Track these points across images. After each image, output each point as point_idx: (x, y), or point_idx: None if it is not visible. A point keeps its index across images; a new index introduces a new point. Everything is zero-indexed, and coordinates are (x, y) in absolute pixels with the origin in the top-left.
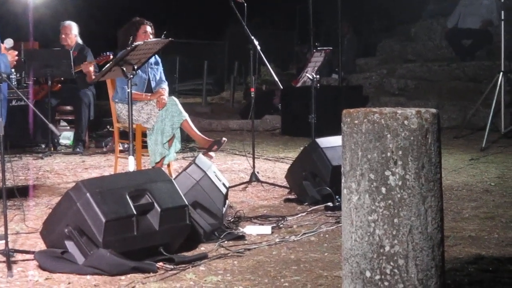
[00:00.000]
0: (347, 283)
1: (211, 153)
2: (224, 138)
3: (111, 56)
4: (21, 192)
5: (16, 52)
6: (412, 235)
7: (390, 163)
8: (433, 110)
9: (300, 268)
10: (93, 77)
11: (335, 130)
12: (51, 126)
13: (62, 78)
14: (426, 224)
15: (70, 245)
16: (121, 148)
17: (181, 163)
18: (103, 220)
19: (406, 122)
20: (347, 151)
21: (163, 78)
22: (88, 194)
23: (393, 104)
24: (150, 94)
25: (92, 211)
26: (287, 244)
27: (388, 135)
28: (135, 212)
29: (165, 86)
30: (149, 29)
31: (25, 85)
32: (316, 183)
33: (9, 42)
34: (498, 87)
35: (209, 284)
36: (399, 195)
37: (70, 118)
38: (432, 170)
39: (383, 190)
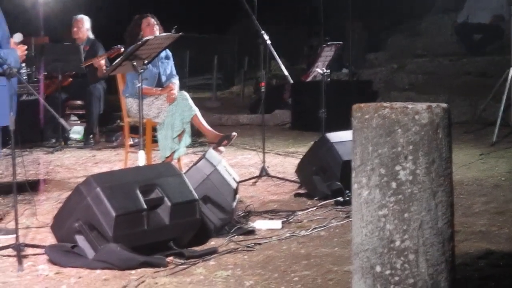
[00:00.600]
0: (357, 278)
1: (221, 148)
2: (234, 133)
3: (122, 49)
4: (32, 187)
5: (25, 47)
6: (422, 230)
7: (401, 158)
8: (444, 105)
9: (310, 263)
10: (104, 71)
11: (345, 124)
12: (61, 120)
13: (73, 73)
14: (436, 219)
15: (80, 239)
16: (131, 142)
17: (191, 157)
18: (114, 214)
19: (416, 116)
20: (357, 146)
21: (174, 72)
22: (98, 189)
23: (403, 99)
24: (160, 89)
25: (102, 205)
26: (297, 238)
27: (399, 130)
28: (145, 207)
29: (175, 80)
30: (152, 20)
31: (35, 79)
32: (326, 178)
33: (18, 37)
34: (508, 82)
35: (219, 279)
36: (409, 190)
37: (80, 112)
38: (443, 165)
39: (394, 185)
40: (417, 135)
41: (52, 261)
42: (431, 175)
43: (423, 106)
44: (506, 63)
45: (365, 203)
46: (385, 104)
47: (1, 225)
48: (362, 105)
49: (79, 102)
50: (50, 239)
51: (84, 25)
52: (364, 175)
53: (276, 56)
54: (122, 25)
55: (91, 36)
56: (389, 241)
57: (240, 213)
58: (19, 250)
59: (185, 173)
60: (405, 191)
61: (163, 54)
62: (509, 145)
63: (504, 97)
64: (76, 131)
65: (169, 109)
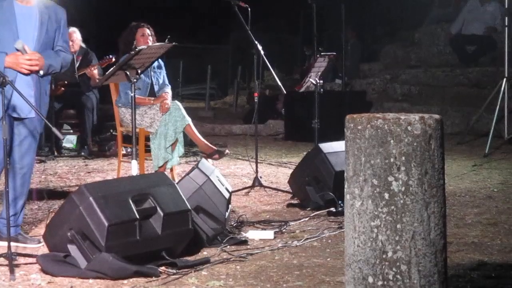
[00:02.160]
0: None
1: (211, 160)
2: (227, 151)
3: (114, 59)
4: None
5: (30, 55)
6: (415, 241)
7: (393, 168)
8: (437, 116)
9: (302, 273)
10: (97, 81)
11: (338, 135)
12: (54, 130)
13: (66, 82)
14: (429, 230)
15: (72, 249)
16: (124, 152)
17: (184, 167)
18: (106, 224)
19: (409, 127)
20: (350, 156)
21: (167, 82)
22: (91, 198)
23: (397, 109)
24: (153, 98)
25: (95, 215)
26: (289, 249)
27: (392, 141)
28: (138, 217)
29: (168, 90)
30: (147, 31)
31: None
32: (319, 188)
33: (19, 44)
34: (501, 93)
35: None
36: (402, 201)
37: (73, 122)
38: (435, 176)
39: (386, 195)
40: (410, 146)
41: (44, 271)
42: (423, 186)
43: (416, 117)
44: (499, 75)
45: (357, 214)
46: (377, 115)
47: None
48: (355, 115)
49: (72, 111)
50: (42, 248)
51: (76, 36)
52: (356, 185)
53: (270, 66)
54: (115, 34)
55: (83, 45)
56: (381, 252)
57: (232, 223)
58: (11, 259)
59: (177, 183)
60: (398, 202)
61: (155, 63)
62: (502, 157)
63: (497, 108)
64: (69, 140)
65: (162, 118)
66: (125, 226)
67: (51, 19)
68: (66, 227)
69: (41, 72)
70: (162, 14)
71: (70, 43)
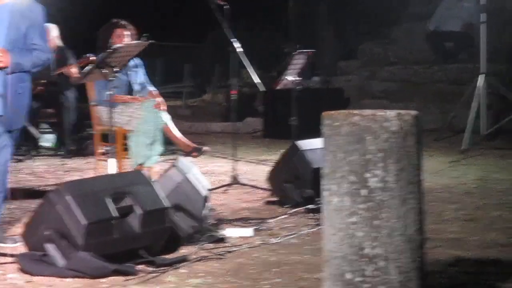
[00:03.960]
0: (328, 285)
1: (189, 158)
2: (206, 148)
3: (92, 58)
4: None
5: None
6: (392, 237)
7: (370, 165)
8: (414, 112)
9: (281, 271)
10: (75, 79)
11: (317, 132)
12: (31, 129)
13: (44, 81)
14: (406, 226)
15: (51, 248)
16: (102, 150)
17: (162, 165)
18: (84, 222)
19: (386, 124)
20: (327, 153)
21: (147, 81)
22: (68, 197)
23: (375, 106)
24: (131, 96)
25: (72, 214)
26: (268, 246)
27: (368, 137)
28: (116, 215)
29: (153, 88)
30: (124, 32)
31: None
32: (297, 185)
33: None
34: (478, 90)
35: (190, 287)
36: (379, 197)
37: (52, 120)
38: (412, 172)
39: (364, 192)
40: (387, 142)
41: (23, 270)
42: (401, 182)
43: (393, 113)
44: (476, 71)
45: (335, 211)
46: (354, 112)
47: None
48: (332, 112)
49: (50, 110)
50: (20, 248)
51: (52, 34)
52: (334, 182)
53: (247, 64)
54: (94, 32)
55: (60, 43)
56: (359, 248)
57: (211, 221)
58: None
59: (156, 181)
60: (375, 198)
61: (131, 62)
62: (479, 152)
63: (474, 104)
64: (47, 140)
65: (142, 116)
66: (103, 224)
67: (24, 17)
68: (44, 227)
69: (8, 70)
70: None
71: None
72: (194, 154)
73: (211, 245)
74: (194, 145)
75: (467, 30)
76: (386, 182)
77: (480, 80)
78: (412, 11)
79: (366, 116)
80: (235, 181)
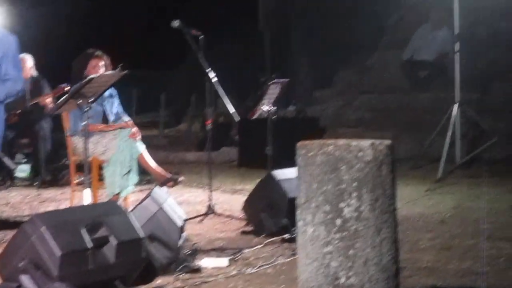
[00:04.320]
0: None
1: (165, 188)
2: (181, 178)
3: (67, 88)
4: None
5: None
6: (367, 267)
7: (345, 195)
8: (387, 142)
9: None
10: (50, 109)
11: (292, 162)
12: (6, 159)
13: (19, 111)
14: (381, 256)
15: (25, 279)
16: (77, 181)
17: (138, 195)
18: (59, 253)
19: (360, 154)
20: (302, 183)
21: (122, 111)
22: (43, 228)
23: (350, 135)
24: (105, 125)
25: (47, 244)
26: (244, 276)
27: (343, 167)
28: (91, 245)
29: (128, 118)
30: (100, 63)
31: None
32: (273, 215)
33: None
34: (453, 118)
35: None
36: (354, 227)
37: (27, 151)
38: (387, 202)
39: (338, 222)
40: (361, 172)
41: None
42: (375, 212)
43: (367, 143)
44: (450, 100)
45: (310, 240)
46: (329, 141)
47: None
48: (306, 142)
49: (25, 140)
50: None
51: (27, 64)
52: (309, 212)
53: (222, 93)
54: (69, 61)
55: (35, 73)
56: (334, 278)
57: (186, 251)
58: None
59: (131, 211)
60: (350, 228)
61: (106, 93)
62: (454, 181)
63: (449, 133)
64: (23, 170)
65: (117, 146)
66: (78, 255)
67: None
68: (19, 257)
69: None
70: (115, 41)
71: None
72: (170, 184)
73: (187, 276)
74: (170, 175)
75: (441, 59)
76: (361, 212)
77: (455, 109)
78: (387, 40)
79: (341, 146)
80: (210, 211)
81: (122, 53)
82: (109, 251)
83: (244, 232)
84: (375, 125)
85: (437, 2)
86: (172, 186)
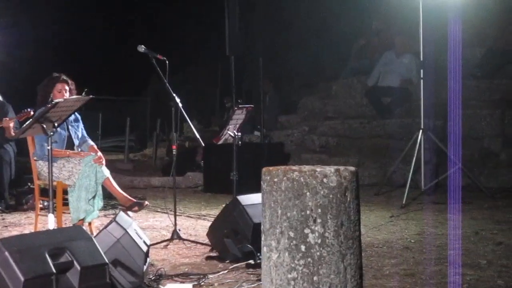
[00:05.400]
0: None
1: (130, 213)
2: (147, 202)
3: (32, 113)
4: None
5: None
6: None
7: (310, 221)
8: (352, 168)
9: None
10: (13, 133)
11: (257, 187)
12: None
13: None
14: (345, 282)
15: None
16: (41, 205)
17: (102, 220)
18: (22, 279)
19: (325, 180)
20: (266, 209)
21: (86, 135)
22: (6, 253)
23: (315, 161)
24: (71, 151)
25: (10, 269)
26: None
27: (308, 193)
28: (54, 271)
29: (92, 143)
30: (65, 87)
31: None
32: (237, 241)
33: None
34: (418, 145)
35: None
36: (318, 253)
37: None
38: (351, 228)
39: (303, 248)
40: (326, 198)
41: None
42: (340, 238)
43: (332, 169)
44: (415, 126)
45: (274, 266)
46: (293, 167)
47: None
48: (271, 168)
49: None
50: None
51: None
52: (273, 238)
53: (188, 118)
54: (33, 86)
55: (0, 98)
56: None
57: (151, 276)
58: None
59: (95, 236)
60: (314, 254)
61: (72, 117)
62: (419, 207)
63: (414, 159)
64: None
65: (82, 171)
66: (41, 280)
67: None
68: None
69: None
70: (80, 66)
71: None
72: (135, 208)
73: None
74: (135, 199)
75: (405, 86)
76: (325, 238)
77: (419, 135)
78: (351, 66)
79: (305, 172)
80: (175, 236)
81: (87, 78)
82: (73, 277)
83: (209, 258)
84: (340, 151)
85: (402, 29)
86: (137, 211)
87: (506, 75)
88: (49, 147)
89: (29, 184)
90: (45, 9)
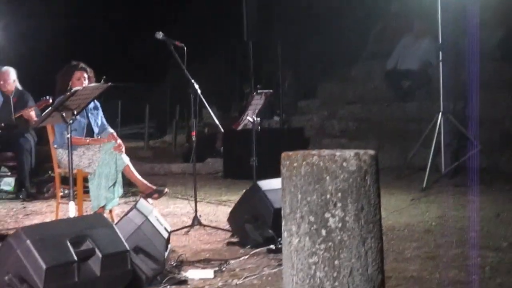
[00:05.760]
0: None
1: (150, 200)
2: (166, 189)
3: (51, 100)
4: None
5: None
6: (352, 277)
7: (330, 205)
8: (372, 152)
9: None
10: (34, 122)
11: (277, 172)
12: None
13: (2, 124)
14: (366, 266)
15: None
16: (62, 194)
17: (123, 207)
18: (44, 267)
19: (344, 164)
20: (286, 194)
21: (105, 122)
22: (28, 241)
23: (335, 145)
24: (89, 138)
25: (32, 258)
26: (229, 287)
27: (327, 178)
28: (76, 259)
29: (112, 130)
30: (84, 74)
31: None
32: (258, 226)
33: None
34: (437, 127)
35: None
36: (339, 237)
37: (11, 164)
38: (372, 212)
39: (323, 232)
40: (346, 182)
41: None
42: (360, 222)
43: (351, 153)
44: (435, 109)
45: (295, 251)
46: (313, 152)
47: None
48: (290, 153)
49: (9, 153)
50: None
51: (10, 77)
52: (293, 223)
53: (207, 105)
54: (52, 74)
55: (19, 87)
56: None
57: (172, 263)
58: None
59: (116, 223)
60: (335, 238)
61: (91, 104)
62: (439, 190)
63: (434, 142)
64: (7, 183)
65: (102, 158)
66: (63, 268)
67: None
68: (4, 271)
69: None
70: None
71: (1, 82)
72: (155, 196)
73: (173, 287)
74: (155, 186)
75: (424, 69)
76: (345, 222)
77: (439, 118)
78: (370, 50)
79: (325, 156)
80: (196, 223)
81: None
82: (95, 264)
83: (229, 243)
84: (359, 135)
85: (420, 12)
86: (157, 198)
87: None
88: (68, 135)
89: (49, 172)
90: None
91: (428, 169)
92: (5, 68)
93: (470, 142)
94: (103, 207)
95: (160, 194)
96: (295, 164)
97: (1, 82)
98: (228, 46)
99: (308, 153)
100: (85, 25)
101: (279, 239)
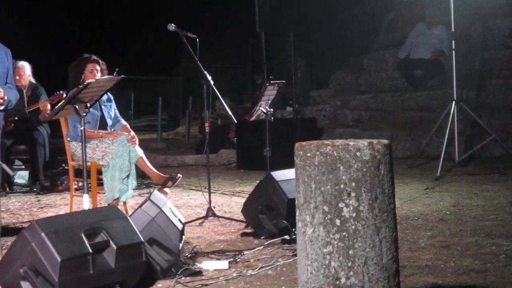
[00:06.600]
0: None
1: (166, 189)
2: (179, 175)
3: (64, 95)
4: None
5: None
6: (367, 266)
7: (344, 195)
8: (385, 141)
9: None
10: (47, 115)
11: (290, 163)
12: (4, 166)
13: (16, 118)
14: (381, 255)
15: (25, 285)
16: (76, 186)
17: (137, 199)
18: (59, 259)
19: (358, 153)
20: (300, 184)
21: (118, 115)
22: (43, 234)
23: (348, 135)
24: (104, 131)
25: (47, 250)
26: (244, 278)
27: (341, 167)
28: (90, 251)
29: (125, 123)
30: (96, 67)
31: None
32: (272, 217)
33: None
34: (451, 116)
35: None
36: (353, 227)
37: (25, 157)
38: (386, 201)
39: (337, 222)
40: (359, 171)
41: None
42: (374, 211)
43: (365, 143)
44: (448, 98)
45: (309, 241)
46: (326, 142)
47: None
48: (304, 143)
49: (23, 147)
50: None
51: (25, 72)
52: (308, 213)
53: (220, 96)
54: (65, 68)
55: (33, 81)
56: (334, 278)
57: (186, 254)
58: None
59: (130, 215)
60: (349, 228)
61: (104, 97)
62: (453, 179)
63: (447, 131)
64: (21, 176)
65: (115, 150)
66: (78, 260)
67: (3, 57)
68: (19, 264)
69: (1, 107)
70: (111, 46)
71: (17, 77)
72: (169, 184)
73: (188, 279)
74: (167, 175)
75: (437, 57)
76: (360, 212)
77: (452, 107)
78: (382, 39)
79: (338, 146)
80: (210, 214)
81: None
82: (109, 256)
83: (244, 234)
84: (373, 125)
85: (433, 0)
86: (171, 186)
87: None
88: (82, 128)
89: (63, 165)
90: None
91: (441, 158)
92: (21, 63)
93: (483, 131)
94: (117, 199)
95: (174, 181)
96: (308, 154)
97: (16, 77)
98: (240, 36)
99: (321, 143)
100: (98, 16)
101: (294, 229)
